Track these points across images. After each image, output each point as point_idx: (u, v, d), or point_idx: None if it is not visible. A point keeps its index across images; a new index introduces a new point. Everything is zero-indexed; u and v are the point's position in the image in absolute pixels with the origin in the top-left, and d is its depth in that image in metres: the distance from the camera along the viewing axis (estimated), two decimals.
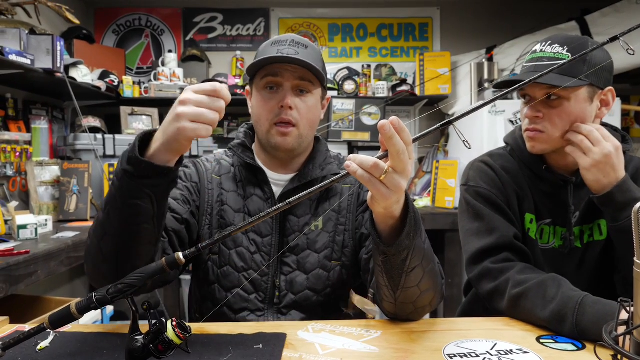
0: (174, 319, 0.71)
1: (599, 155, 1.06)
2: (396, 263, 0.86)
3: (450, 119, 0.77)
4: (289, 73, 1.11)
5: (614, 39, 0.92)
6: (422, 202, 3.11)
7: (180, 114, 0.80)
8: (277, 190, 1.18)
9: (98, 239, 0.89)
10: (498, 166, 1.24)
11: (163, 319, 0.71)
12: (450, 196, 2.90)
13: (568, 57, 1.10)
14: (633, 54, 0.89)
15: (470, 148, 0.72)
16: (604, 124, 1.25)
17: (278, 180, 1.19)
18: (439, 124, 0.77)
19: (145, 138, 0.85)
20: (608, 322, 0.67)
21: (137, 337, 0.71)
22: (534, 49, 1.18)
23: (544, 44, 1.15)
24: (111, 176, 2.56)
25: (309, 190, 0.74)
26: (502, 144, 1.33)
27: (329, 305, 1.16)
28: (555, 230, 1.23)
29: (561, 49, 1.11)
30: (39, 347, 0.85)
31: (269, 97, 1.12)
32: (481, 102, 0.85)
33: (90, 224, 2.31)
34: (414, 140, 0.75)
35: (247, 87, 1.23)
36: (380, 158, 0.74)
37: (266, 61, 1.09)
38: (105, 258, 0.89)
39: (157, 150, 0.83)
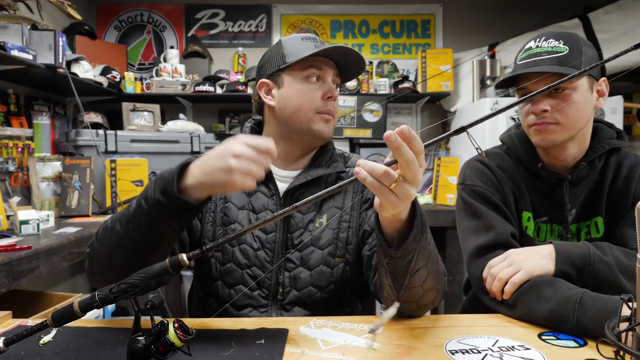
0: (175, 320, 0.71)
1: (525, 259, 1.04)
2: (401, 265, 0.86)
3: (464, 125, 0.74)
4: (330, 69, 1.18)
5: (638, 46, 0.90)
6: (423, 199, 3.11)
7: (234, 168, 0.82)
8: (282, 186, 1.18)
9: (110, 249, 0.91)
10: (494, 164, 1.25)
11: (165, 321, 0.71)
12: (451, 193, 2.89)
13: (566, 49, 1.11)
14: None
15: (482, 154, 0.71)
16: (600, 121, 1.25)
17: (284, 176, 1.19)
18: (452, 131, 0.74)
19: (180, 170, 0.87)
20: (610, 319, 0.66)
21: (139, 338, 0.71)
22: (527, 46, 1.18)
23: (537, 40, 1.16)
24: (113, 172, 2.56)
25: (316, 195, 0.73)
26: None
27: (332, 301, 1.16)
28: (552, 228, 1.23)
29: (557, 42, 1.13)
30: (41, 342, 0.85)
31: (314, 87, 1.16)
32: (502, 107, 0.81)
33: (91, 219, 2.32)
34: (426, 147, 0.72)
35: (265, 80, 1.20)
36: (389, 164, 0.71)
37: (320, 54, 1.13)
38: (113, 267, 0.91)
39: (194, 186, 0.85)
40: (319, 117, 1.16)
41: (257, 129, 1.27)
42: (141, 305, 0.74)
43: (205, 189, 0.85)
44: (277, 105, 1.18)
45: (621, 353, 0.61)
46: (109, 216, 1.10)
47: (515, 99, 1.26)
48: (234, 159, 0.82)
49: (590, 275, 1.01)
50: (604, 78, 1.18)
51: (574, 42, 1.12)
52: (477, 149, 0.73)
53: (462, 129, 0.74)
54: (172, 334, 0.69)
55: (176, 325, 0.70)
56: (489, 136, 2.75)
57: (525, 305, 1.00)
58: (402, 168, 0.70)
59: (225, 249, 1.15)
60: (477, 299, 1.14)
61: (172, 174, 0.85)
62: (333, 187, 0.73)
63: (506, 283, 1.04)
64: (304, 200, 0.72)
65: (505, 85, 1.23)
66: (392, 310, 0.99)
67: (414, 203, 0.81)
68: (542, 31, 1.25)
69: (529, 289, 1.00)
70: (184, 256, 0.73)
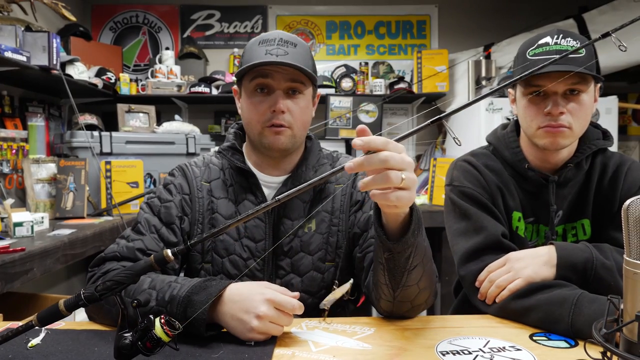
0: (162, 315, 0.71)
1: (525, 267, 1.03)
2: (400, 261, 0.87)
3: (441, 115, 0.77)
4: (280, 75, 1.08)
5: (605, 35, 0.91)
6: (419, 200, 3.10)
7: (256, 329, 0.86)
8: (269, 193, 1.16)
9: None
10: (481, 164, 1.24)
11: (151, 316, 0.71)
12: None
13: (583, 52, 1.09)
14: (624, 51, 0.89)
15: (460, 145, 0.72)
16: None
17: (270, 182, 1.18)
18: (428, 121, 0.76)
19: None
20: (598, 320, 0.66)
21: (126, 334, 0.71)
22: (543, 40, 1.13)
23: (556, 37, 1.12)
24: (108, 174, 2.56)
25: (298, 187, 0.73)
26: None
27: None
28: (538, 229, 1.23)
29: (575, 42, 1.10)
30: (29, 345, 0.85)
31: (260, 100, 1.10)
32: (479, 96, 0.84)
33: (86, 221, 2.31)
34: (400, 140, 0.75)
35: (235, 87, 1.20)
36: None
37: (256, 66, 1.07)
38: None
39: (216, 320, 0.90)
40: (268, 131, 1.10)
41: (241, 134, 1.26)
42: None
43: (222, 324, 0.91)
44: (241, 114, 1.18)
45: (608, 354, 0.61)
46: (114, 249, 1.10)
47: (511, 96, 1.26)
48: (257, 320, 0.86)
49: (592, 280, 1.00)
50: (600, 84, 1.18)
51: (588, 46, 1.10)
52: (454, 138, 0.74)
53: (438, 119, 0.77)
54: (158, 329, 0.69)
55: (162, 320, 0.70)
56: (485, 137, 2.75)
57: (517, 305, 0.99)
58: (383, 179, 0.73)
59: (214, 261, 1.13)
60: (468, 300, 1.14)
61: (203, 321, 0.86)
62: (317, 178, 0.74)
63: (504, 289, 1.03)
64: (287, 193, 0.73)
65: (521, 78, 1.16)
66: (347, 285, 1.02)
67: None
68: (538, 31, 1.25)
69: (523, 290, 1.00)
70: (169, 251, 0.73)
